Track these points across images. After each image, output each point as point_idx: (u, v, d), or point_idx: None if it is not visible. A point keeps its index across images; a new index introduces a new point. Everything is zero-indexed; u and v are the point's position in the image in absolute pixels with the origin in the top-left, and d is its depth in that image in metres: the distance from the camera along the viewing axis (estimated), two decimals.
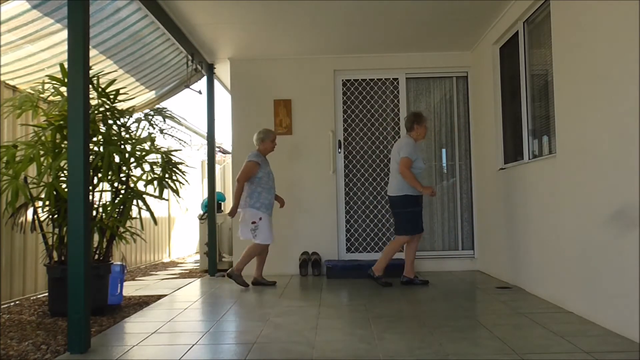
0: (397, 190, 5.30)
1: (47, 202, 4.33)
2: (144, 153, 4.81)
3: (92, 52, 4.99)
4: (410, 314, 4.03)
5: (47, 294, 4.82)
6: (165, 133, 5.17)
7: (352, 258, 6.57)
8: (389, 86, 6.75)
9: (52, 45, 4.80)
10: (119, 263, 4.78)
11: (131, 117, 5.01)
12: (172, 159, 5.05)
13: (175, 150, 5.18)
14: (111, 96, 4.76)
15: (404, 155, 5.22)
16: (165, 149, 5.08)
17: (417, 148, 5.36)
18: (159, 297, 5.17)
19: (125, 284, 5.56)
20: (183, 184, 5.10)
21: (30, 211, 4.71)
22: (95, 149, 4.56)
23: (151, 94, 6.86)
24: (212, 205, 6.78)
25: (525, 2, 4.74)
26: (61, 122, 4.36)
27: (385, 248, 5.46)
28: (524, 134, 5.00)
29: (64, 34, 4.45)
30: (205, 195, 7.60)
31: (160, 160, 4.97)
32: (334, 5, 5.04)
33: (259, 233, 5.41)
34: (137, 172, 4.92)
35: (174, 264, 8.87)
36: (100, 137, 4.58)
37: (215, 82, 7.13)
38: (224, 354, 3.08)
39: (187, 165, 5.34)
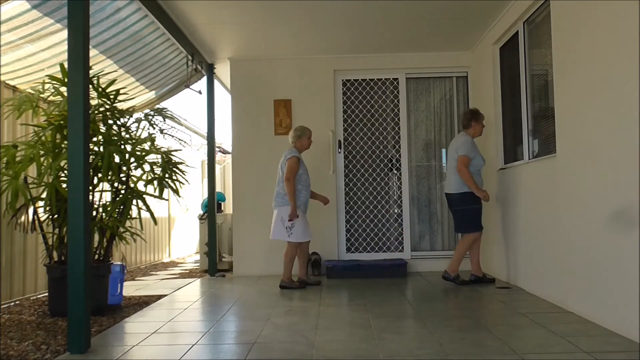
0: (457, 188, 5.26)
1: (49, 202, 4.33)
2: (144, 153, 4.81)
3: (92, 52, 5.00)
4: (410, 314, 4.03)
5: (47, 294, 4.82)
6: (165, 133, 5.18)
7: (352, 258, 6.56)
8: (389, 86, 6.75)
9: (52, 45, 4.80)
10: (119, 263, 4.78)
11: (131, 117, 5.01)
12: (172, 159, 5.05)
13: (175, 150, 5.18)
14: (111, 96, 4.76)
15: (462, 153, 5.17)
16: (165, 149, 5.08)
17: (476, 146, 5.32)
18: (159, 297, 5.17)
19: (125, 284, 5.56)
20: (183, 184, 5.10)
21: (30, 211, 4.71)
22: (95, 149, 4.57)
23: (151, 94, 6.86)
24: (212, 205, 6.78)
25: (525, 2, 4.74)
26: (61, 122, 4.36)
27: (457, 247, 5.41)
28: (524, 134, 5.00)
29: (64, 34, 4.46)
30: (205, 195, 7.60)
31: (160, 160, 4.97)
32: (334, 5, 5.04)
33: (294, 231, 5.33)
34: (137, 172, 4.93)
35: (174, 264, 8.87)
36: (100, 137, 4.59)
37: (215, 82, 7.13)
38: (224, 354, 3.08)
39: (187, 165, 5.34)
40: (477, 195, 5.18)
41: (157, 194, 4.86)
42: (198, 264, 8.24)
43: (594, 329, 3.39)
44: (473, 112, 5.42)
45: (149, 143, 4.92)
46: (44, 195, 4.49)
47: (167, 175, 4.93)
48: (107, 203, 4.69)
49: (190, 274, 7.14)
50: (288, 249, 5.42)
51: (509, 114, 5.53)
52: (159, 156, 5.00)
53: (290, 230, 5.33)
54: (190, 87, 6.48)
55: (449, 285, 5.30)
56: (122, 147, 4.76)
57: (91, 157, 4.37)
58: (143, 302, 4.90)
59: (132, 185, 4.81)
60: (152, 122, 5.06)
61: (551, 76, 4.27)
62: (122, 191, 4.75)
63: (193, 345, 3.26)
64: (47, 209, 4.45)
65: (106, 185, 4.74)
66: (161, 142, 5.49)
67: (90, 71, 3.61)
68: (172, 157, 5.07)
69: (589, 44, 3.59)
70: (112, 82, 4.84)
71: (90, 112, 3.43)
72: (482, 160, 5.30)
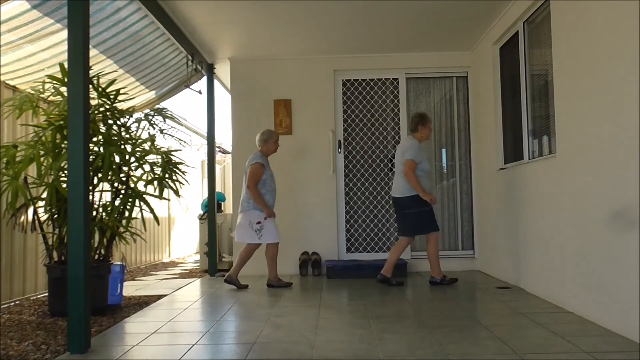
0: (405, 191, 5.27)
1: (49, 202, 4.33)
2: (144, 153, 4.81)
3: (92, 52, 5.00)
4: (410, 314, 4.03)
5: (47, 294, 4.82)
6: (165, 133, 5.18)
7: (352, 258, 6.56)
8: (389, 86, 6.75)
9: (52, 45, 4.80)
10: (119, 263, 4.78)
11: (131, 117, 5.01)
12: (172, 159, 5.05)
13: (175, 150, 5.18)
14: (111, 96, 4.76)
15: (409, 157, 5.19)
16: (166, 149, 5.08)
17: (422, 149, 5.34)
18: (159, 297, 5.17)
19: (125, 284, 5.56)
20: (183, 184, 5.10)
21: (30, 211, 4.71)
22: (96, 149, 4.56)
23: (151, 94, 6.86)
24: (212, 205, 6.78)
25: (525, 2, 4.74)
26: (61, 122, 4.36)
27: (427, 253, 5.37)
28: (524, 134, 5.00)
29: (64, 34, 4.46)
30: (205, 195, 7.60)
31: (160, 161, 4.97)
32: (334, 5, 5.04)
33: (265, 232, 5.37)
34: (137, 172, 4.93)
35: (174, 264, 8.87)
36: (100, 137, 4.58)
37: (215, 82, 7.13)
38: (224, 354, 3.08)
39: (187, 165, 5.34)
40: (423, 198, 5.18)
41: (157, 194, 4.86)
42: (198, 264, 8.24)
43: (594, 329, 3.39)
44: (421, 116, 5.42)
45: (149, 143, 4.92)
46: (44, 195, 4.49)
47: (167, 176, 4.93)
48: (107, 203, 4.69)
49: (190, 274, 7.14)
50: (268, 249, 5.48)
51: (509, 114, 5.53)
52: (159, 156, 5.00)
53: (259, 232, 5.36)
54: (190, 87, 6.48)
55: (449, 285, 5.29)
56: (122, 147, 4.76)
57: (91, 157, 4.37)
58: (143, 302, 4.90)
59: (132, 185, 4.81)
60: (152, 122, 5.06)
61: (551, 76, 4.27)
62: (123, 191, 4.75)
63: (193, 345, 3.26)
64: (48, 209, 4.45)
65: (106, 186, 4.74)
66: (161, 142, 5.49)
67: (90, 71, 3.61)
68: (172, 157, 5.07)
69: (589, 44, 3.59)
70: (112, 82, 4.84)
71: (90, 112, 3.43)
72: (428, 164, 5.34)
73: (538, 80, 4.89)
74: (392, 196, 5.53)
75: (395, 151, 5.65)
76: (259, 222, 5.36)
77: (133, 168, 4.81)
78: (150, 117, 5.07)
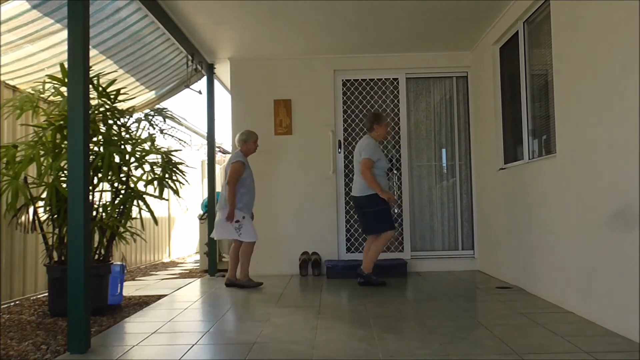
0: (364, 190, 5.31)
1: (49, 202, 4.33)
2: (144, 153, 4.81)
3: (92, 52, 5.00)
4: (410, 314, 4.03)
5: (47, 294, 4.82)
6: (165, 133, 5.18)
7: (352, 258, 6.56)
8: (389, 86, 6.74)
9: (52, 45, 4.81)
10: (119, 263, 4.78)
11: (131, 117, 5.01)
12: (172, 159, 5.05)
13: (175, 151, 5.18)
14: (111, 96, 4.77)
15: (365, 156, 5.25)
16: (165, 149, 5.08)
17: (379, 148, 5.40)
18: (159, 297, 5.17)
19: (125, 284, 5.56)
20: (183, 184, 5.10)
21: (30, 211, 4.71)
22: (95, 149, 4.57)
23: (151, 94, 6.87)
24: (212, 205, 6.78)
25: (525, 2, 4.74)
26: (61, 122, 4.36)
27: (373, 246, 5.37)
28: (524, 134, 5.00)
29: (64, 34, 4.46)
30: (205, 195, 7.60)
31: (160, 161, 4.98)
32: (334, 5, 5.04)
33: (243, 231, 5.34)
34: (137, 172, 4.93)
35: (174, 264, 8.87)
36: (100, 137, 4.59)
37: (215, 82, 7.13)
38: (224, 354, 3.08)
39: (187, 165, 5.34)
40: (381, 196, 5.21)
41: (157, 194, 4.86)
42: (198, 264, 8.24)
43: (594, 329, 3.39)
44: (375, 116, 5.48)
45: (149, 143, 4.92)
46: (44, 195, 4.49)
47: (167, 176, 4.93)
48: (107, 203, 4.69)
49: (190, 274, 7.14)
50: (244, 247, 5.42)
51: (509, 114, 5.53)
52: (159, 156, 5.00)
53: (239, 230, 5.33)
54: (190, 87, 6.48)
55: (449, 286, 5.30)
56: (122, 147, 4.76)
57: (91, 157, 4.37)
58: (143, 302, 4.90)
59: (132, 185, 4.81)
60: (152, 122, 5.06)
61: (551, 76, 4.27)
62: (122, 191, 4.75)
63: (193, 345, 3.26)
64: (47, 209, 4.45)
65: (106, 185, 4.74)
66: (161, 142, 5.49)
67: (91, 71, 3.61)
68: (172, 157, 5.07)
69: (589, 44, 3.59)
70: (112, 82, 4.84)
71: (90, 112, 3.43)
72: (385, 162, 5.37)
73: (538, 80, 4.89)
74: (351, 196, 5.58)
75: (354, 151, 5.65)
76: (237, 221, 5.32)
77: (133, 168, 4.82)
78: (150, 117, 5.08)
